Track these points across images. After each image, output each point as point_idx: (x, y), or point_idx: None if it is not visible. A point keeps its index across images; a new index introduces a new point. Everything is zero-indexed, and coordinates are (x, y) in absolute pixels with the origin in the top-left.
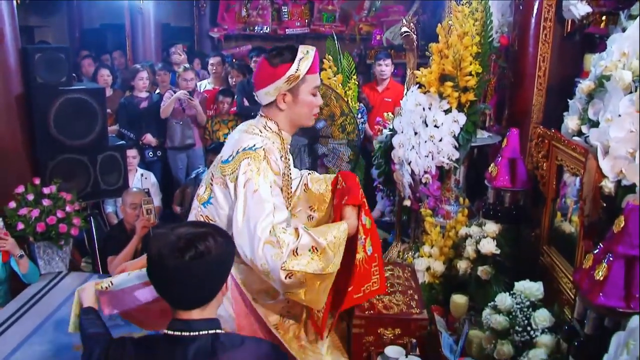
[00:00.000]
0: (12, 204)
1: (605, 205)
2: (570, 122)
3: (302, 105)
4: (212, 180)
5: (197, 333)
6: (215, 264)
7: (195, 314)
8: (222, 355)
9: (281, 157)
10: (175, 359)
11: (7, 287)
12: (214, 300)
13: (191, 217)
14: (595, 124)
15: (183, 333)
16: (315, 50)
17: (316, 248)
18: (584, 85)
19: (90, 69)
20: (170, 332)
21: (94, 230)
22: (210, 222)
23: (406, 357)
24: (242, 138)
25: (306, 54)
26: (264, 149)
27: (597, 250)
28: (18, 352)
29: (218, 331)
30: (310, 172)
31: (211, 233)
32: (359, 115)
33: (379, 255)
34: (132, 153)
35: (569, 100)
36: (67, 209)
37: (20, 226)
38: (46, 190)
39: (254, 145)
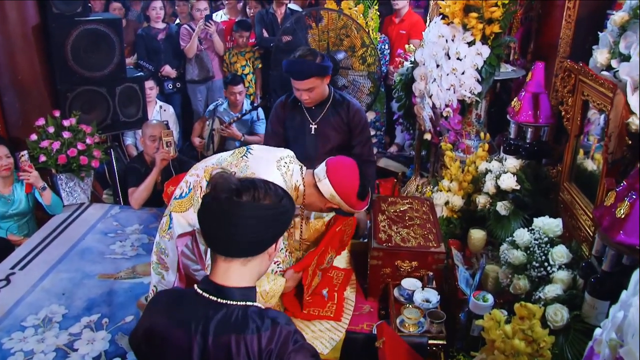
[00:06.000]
0: (34, 137)
1: (630, 142)
2: (600, 55)
3: (324, 211)
4: None
5: (225, 302)
6: (268, 215)
7: (234, 274)
8: (248, 336)
9: None
10: (201, 319)
11: (31, 218)
12: (257, 260)
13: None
14: (626, 58)
15: (211, 297)
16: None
17: None
18: (617, 16)
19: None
20: (199, 291)
21: (114, 163)
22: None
23: (422, 289)
24: (275, 176)
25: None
26: None
27: (620, 188)
28: (46, 279)
29: (249, 303)
30: None
31: (274, 187)
32: (387, 47)
33: (339, 296)
34: (150, 85)
35: (599, 33)
36: (88, 141)
37: (42, 158)
38: (66, 123)
39: None
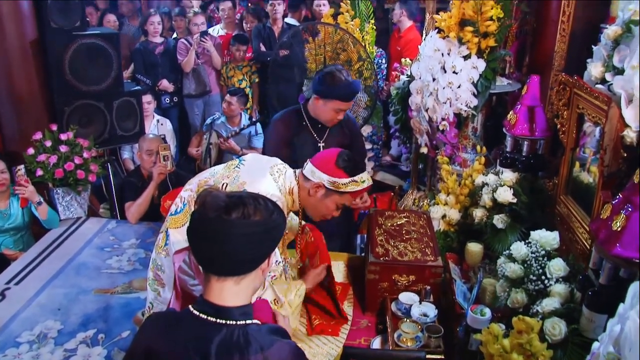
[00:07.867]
0: (31, 151)
1: (625, 155)
2: (594, 69)
3: (323, 206)
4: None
5: (224, 322)
6: (259, 231)
7: (229, 294)
8: (252, 356)
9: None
10: (200, 341)
11: (27, 233)
12: (251, 277)
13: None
14: (620, 71)
15: (209, 318)
16: (368, 186)
17: (277, 301)
18: (611, 30)
19: (92, 16)
20: (195, 312)
21: (111, 177)
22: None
23: (420, 303)
24: (268, 181)
25: (361, 182)
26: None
27: (616, 201)
28: (42, 294)
29: (248, 322)
30: None
31: (264, 202)
32: (383, 61)
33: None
34: (147, 99)
35: (593, 46)
36: (85, 155)
37: (39, 172)
38: (63, 137)
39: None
